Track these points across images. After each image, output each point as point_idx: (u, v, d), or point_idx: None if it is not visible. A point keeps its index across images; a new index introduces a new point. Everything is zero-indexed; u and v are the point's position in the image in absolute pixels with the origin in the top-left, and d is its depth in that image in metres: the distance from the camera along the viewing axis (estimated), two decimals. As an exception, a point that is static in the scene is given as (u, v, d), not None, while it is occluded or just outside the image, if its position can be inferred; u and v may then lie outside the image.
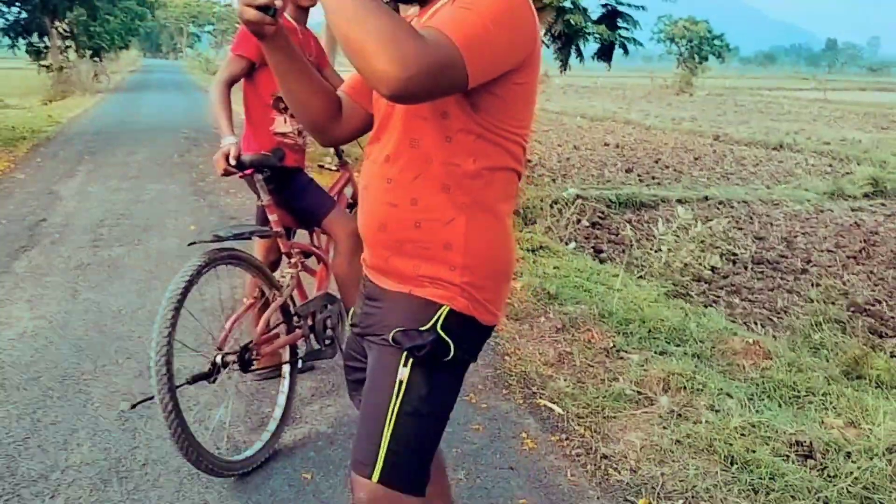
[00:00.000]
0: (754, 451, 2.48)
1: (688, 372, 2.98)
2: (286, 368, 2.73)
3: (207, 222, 6.14)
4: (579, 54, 6.98)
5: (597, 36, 6.77)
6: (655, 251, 6.46)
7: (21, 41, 22.92)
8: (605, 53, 7.23)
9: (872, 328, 5.52)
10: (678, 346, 3.49)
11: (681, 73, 40.47)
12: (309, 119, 1.55)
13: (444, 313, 1.46)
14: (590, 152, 14.07)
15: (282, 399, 2.70)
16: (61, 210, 6.50)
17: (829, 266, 7.49)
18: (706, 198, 10.57)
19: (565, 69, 7.24)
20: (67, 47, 24.93)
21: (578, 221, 7.90)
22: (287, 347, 2.75)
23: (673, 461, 2.61)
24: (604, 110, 24.33)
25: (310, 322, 2.82)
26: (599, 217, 8.87)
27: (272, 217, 2.76)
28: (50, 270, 4.71)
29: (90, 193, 7.30)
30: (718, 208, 10.01)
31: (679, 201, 10.13)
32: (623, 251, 7.53)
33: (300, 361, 2.91)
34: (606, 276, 5.23)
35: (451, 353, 1.47)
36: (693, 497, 2.43)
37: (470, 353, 1.55)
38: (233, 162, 2.62)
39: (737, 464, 2.51)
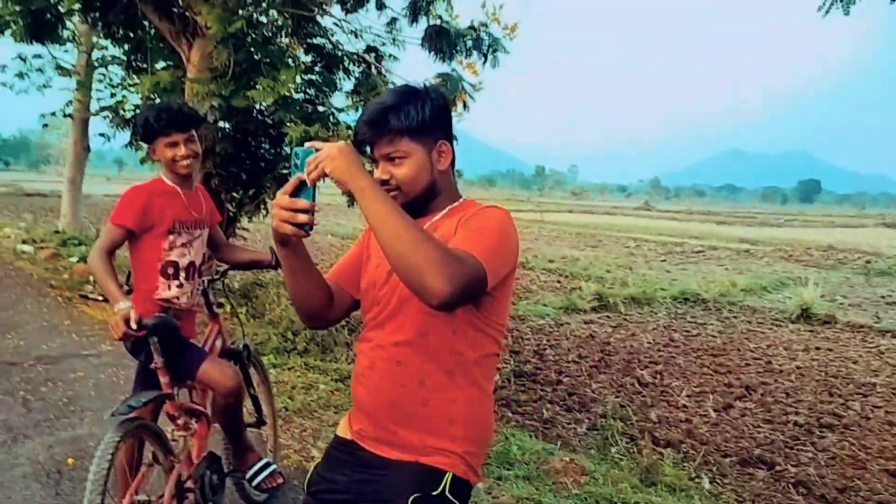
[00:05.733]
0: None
1: (533, 496, 3.40)
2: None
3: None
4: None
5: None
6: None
7: None
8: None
9: (623, 431, 6.42)
10: (509, 469, 3.93)
11: (418, 194, 43.36)
12: (310, 308, 1.78)
13: (449, 479, 1.71)
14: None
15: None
16: None
17: (578, 376, 8.48)
18: (459, 314, 11.37)
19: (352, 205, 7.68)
20: None
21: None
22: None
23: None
24: (353, 229, 25.14)
25: (198, 485, 2.83)
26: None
27: (164, 379, 2.80)
28: None
29: None
30: (474, 325, 10.82)
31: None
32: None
33: None
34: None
35: None
36: None
37: None
38: (134, 326, 2.63)
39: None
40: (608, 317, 12.19)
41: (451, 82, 7.37)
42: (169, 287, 3.05)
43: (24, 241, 13.78)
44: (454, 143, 1.88)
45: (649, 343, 10.23)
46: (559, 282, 15.91)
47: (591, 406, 7.18)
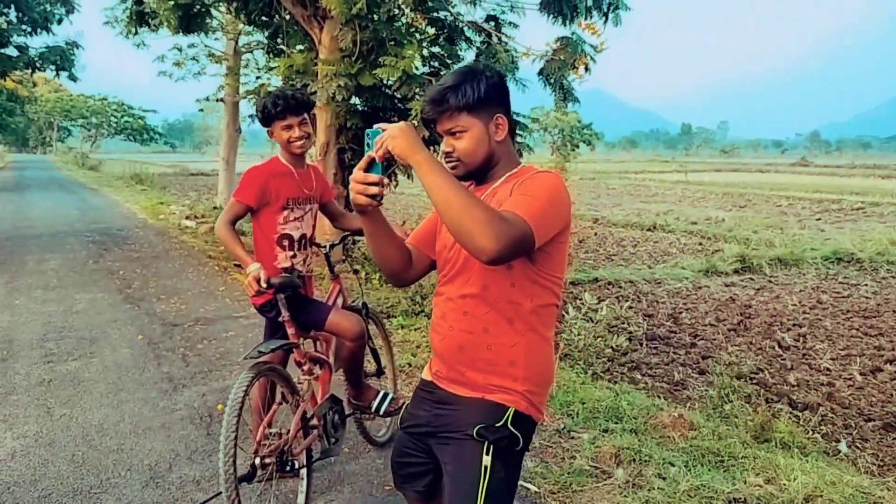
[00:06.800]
0: (703, 510, 3.02)
1: (634, 446, 3.52)
2: (303, 471, 3.06)
3: (152, 331, 6.32)
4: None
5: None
6: (568, 333, 7.03)
7: None
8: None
9: (758, 394, 6.29)
10: (617, 423, 4.05)
11: (555, 160, 43.18)
12: (390, 268, 2.01)
13: (511, 413, 1.91)
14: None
15: (301, 498, 3.03)
16: (-5, 326, 6.48)
17: (714, 339, 8.31)
18: (596, 279, 11.40)
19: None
20: (-63, 147, 23.87)
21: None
22: (304, 451, 3.07)
23: (640, 525, 3.07)
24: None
25: (321, 424, 3.19)
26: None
27: (290, 330, 3.17)
28: (12, 389, 4.81)
29: (19, 306, 7.25)
30: (608, 289, 10.80)
31: (573, 283, 10.93)
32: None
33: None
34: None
35: (521, 443, 1.92)
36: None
37: (527, 444, 1.98)
38: (264, 285, 3.03)
39: (691, 522, 3.03)
40: (751, 279, 11.78)
41: (570, 46, 7.35)
42: (286, 258, 3.41)
43: (186, 217, 15.10)
44: (512, 115, 2.03)
45: (794, 305, 9.83)
46: (701, 244, 15.44)
47: (725, 370, 7.05)
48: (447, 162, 1.98)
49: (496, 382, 1.93)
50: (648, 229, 17.65)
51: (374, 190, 1.74)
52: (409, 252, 2.06)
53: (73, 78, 21.67)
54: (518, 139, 8.20)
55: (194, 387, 4.89)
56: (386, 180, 1.79)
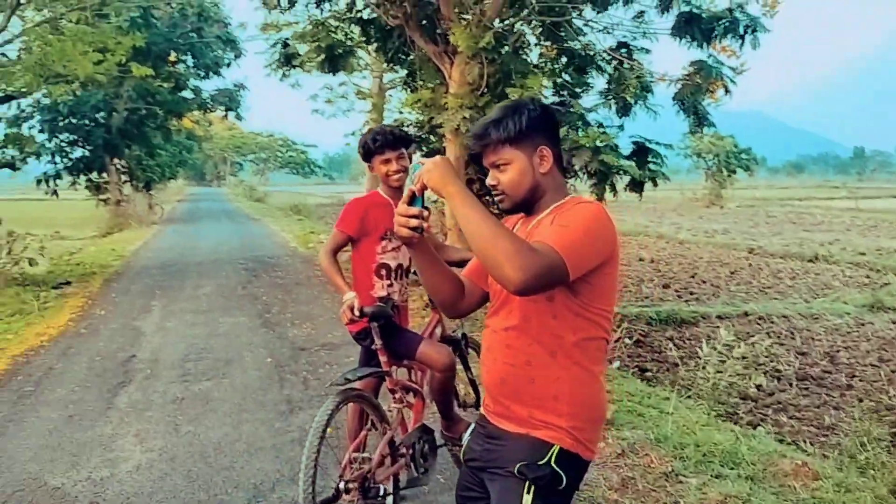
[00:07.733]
0: (811, 569, 2.74)
1: (743, 494, 3.27)
2: (389, 499, 3.09)
3: (281, 354, 6.66)
4: (613, 189, 7.58)
5: (628, 172, 7.39)
6: (702, 370, 6.69)
7: (81, 178, 24.37)
8: (636, 186, 7.85)
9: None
10: (732, 468, 3.78)
11: (710, 186, 41.23)
12: (442, 299, 2.04)
13: (556, 451, 1.87)
14: (625, 268, 14.40)
15: (386, 526, 3.06)
16: (147, 346, 7.06)
17: (874, 381, 7.62)
18: (746, 313, 10.79)
19: (600, 202, 7.80)
20: (125, 182, 26.52)
21: (618, 340, 8.19)
22: (391, 478, 3.11)
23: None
24: (635, 224, 24.53)
25: (410, 452, 3.22)
26: (641, 335, 9.15)
27: (383, 358, 3.24)
28: (149, 405, 5.20)
29: (169, 328, 7.87)
30: (759, 324, 10.20)
31: (719, 317, 10.39)
32: (667, 370, 7.81)
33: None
34: (657, 400, 5.53)
35: (564, 482, 1.86)
36: None
37: (575, 483, 1.92)
38: (357, 314, 3.16)
39: (796, 580, 2.76)
40: (924, 316, 10.74)
41: (705, 69, 7.10)
42: (382, 287, 3.51)
43: (332, 246, 15.83)
44: (559, 146, 2.02)
45: (971, 346, 8.86)
46: (868, 276, 14.26)
47: (886, 414, 6.44)
48: (494, 195, 1.99)
49: (540, 417, 1.90)
50: (809, 260, 16.50)
51: (414, 223, 1.78)
52: (461, 283, 2.08)
53: (238, 117, 23.60)
54: (652, 167, 7.99)
55: (309, 410, 5.05)
56: (426, 213, 1.88)
